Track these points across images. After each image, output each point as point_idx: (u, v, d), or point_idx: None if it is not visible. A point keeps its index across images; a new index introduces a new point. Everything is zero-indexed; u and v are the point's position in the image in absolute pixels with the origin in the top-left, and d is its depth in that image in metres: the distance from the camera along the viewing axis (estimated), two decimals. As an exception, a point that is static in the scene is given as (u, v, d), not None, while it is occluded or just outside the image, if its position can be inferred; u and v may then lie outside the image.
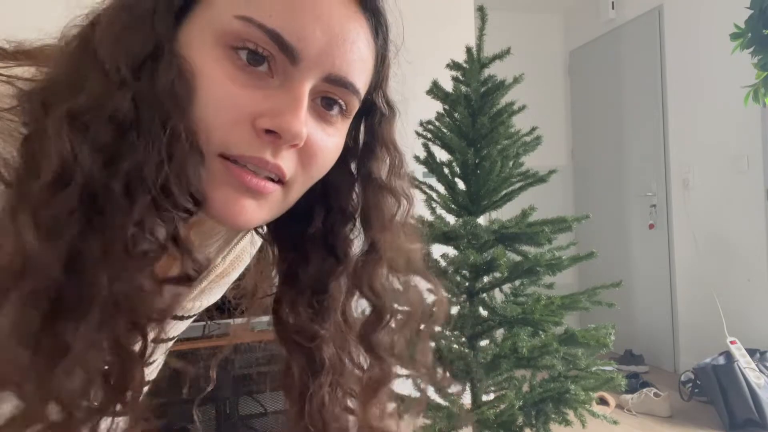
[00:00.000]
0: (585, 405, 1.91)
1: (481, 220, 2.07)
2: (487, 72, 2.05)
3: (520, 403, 1.91)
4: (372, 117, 0.56)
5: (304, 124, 0.44)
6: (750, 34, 2.31)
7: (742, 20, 2.37)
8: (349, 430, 0.63)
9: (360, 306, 0.63)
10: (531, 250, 1.92)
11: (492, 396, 2.06)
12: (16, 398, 0.40)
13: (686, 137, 3.55)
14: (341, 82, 0.47)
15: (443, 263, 2.02)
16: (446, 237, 2.01)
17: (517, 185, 2.07)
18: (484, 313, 2.00)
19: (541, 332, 1.91)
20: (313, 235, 0.56)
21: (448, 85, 2.12)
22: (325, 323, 0.59)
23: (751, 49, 2.33)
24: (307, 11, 0.44)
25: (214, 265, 0.60)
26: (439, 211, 2.12)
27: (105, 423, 0.45)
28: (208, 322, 2.69)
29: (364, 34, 0.49)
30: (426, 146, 2.14)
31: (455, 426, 1.88)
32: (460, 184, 2.08)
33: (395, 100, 0.63)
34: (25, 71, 0.46)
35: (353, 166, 0.56)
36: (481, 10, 2.02)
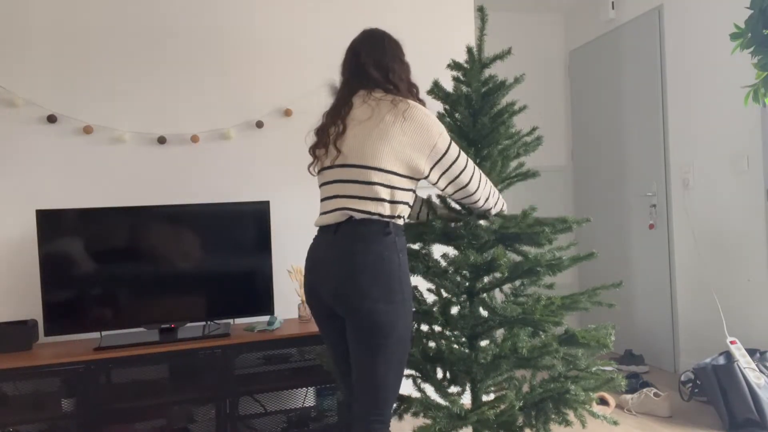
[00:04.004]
0: (585, 405, 1.91)
1: (481, 220, 2.07)
2: (487, 72, 2.05)
3: (520, 403, 1.91)
4: None
5: None
6: (750, 34, 2.30)
7: (742, 20, 2.37)
8: None
9: None
10: (531, 250, 1.92)
11: (492, 396, 2.06)
12: None
13: (686, 137, 3.55)
14: None
15: (443, 263, 2.01)
16: (447, 237, 2.00)
17: (514, 181, 2.07)
18: (484, 313, 1.99)
19: (541, 332, 1.91)
20: None
21: (448, 85, 2.12)
22: None
23: (751, 49, 2.32)
24: None
25: None
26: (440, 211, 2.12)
27: None
28: (208, 323, 2.69)
29: None
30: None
31: (455, 426, 1.88)
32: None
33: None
34: None
35: None
36: (481, 11, 2.02)
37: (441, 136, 1.63)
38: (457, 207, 1.98)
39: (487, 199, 1.78)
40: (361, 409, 1.63)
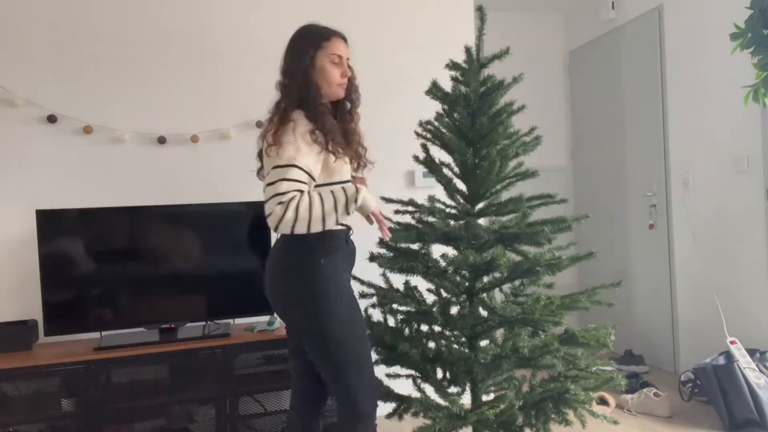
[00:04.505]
0: (585, 405, 1.91)
1: (482, 220, 2.07)
2: (487, 72, 2.05)
3: (520, 403, 1.91)
4: None
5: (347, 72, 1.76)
6: (750, 34, 2.31)
7: (742, 20, 2.37)
8: None
9: None
10: (531, 249, 1.92)
11: (492, 396, 2.06)
12: None
13: (686, 137, 3.55)
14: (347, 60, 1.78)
15: (443, 263, 2.01)
16: (446, 237, 2.00)
17: (513, 181, 2.07)
18: (483, 313, 1.99)
19: (540, 332, 1.91)
20: None
21: (448, 85, 2.12)
22: None
23: (751, 49, 2.32)
24: (341, 49, 1.75)
25: None
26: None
27: None
28: (208, 323, 2.69)
29: (346, 50, 1.77)
30: (425, 147, 2.14)
31: (455, 426, 1.87)
32: (460, 185, 2.08)
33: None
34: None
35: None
36: (480, 10, 2.01)
37: (277, 157, 1.55)
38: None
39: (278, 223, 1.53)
40: (339, 408, 1.71)
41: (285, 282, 1.64)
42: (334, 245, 1.67)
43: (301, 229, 1.53)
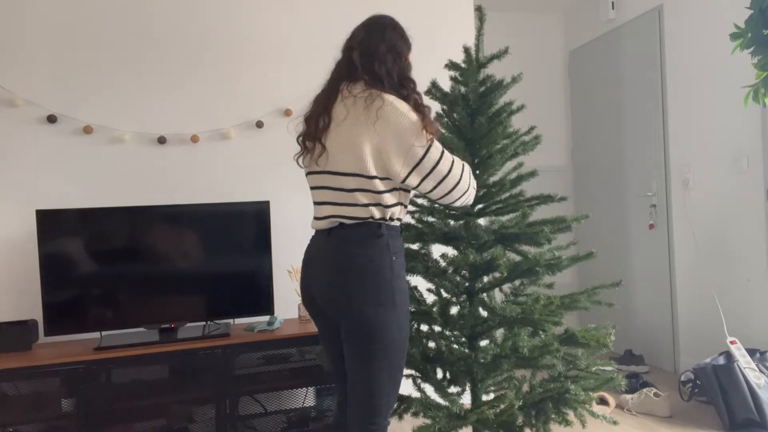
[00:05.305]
0: (585, 405, 1.91)
1: (481, 220, 2.07)
2: (486, 72, 2.05)
3: (520, 403, 1.91)
4: None
5: None
6: (750, 34, 2.30)
7: (742, 20, 2.37)
8: None
9: None
10: (530, 250, 1.92)
11: (492, 396, 2.06)
12: None
13: (686, 137, 3.55)
14: None
15: (443, 263, 2.01)
16: (446, 237, 2.01)
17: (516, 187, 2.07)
18: (483, 313, 1.99)
19: (540, 332, 1.91)
20: None
21: (448, 86, 2.12)
22: None
23: (751, 49, 2.32)
24: None
25: None
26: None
27: None
28: (208, 323, 2.69)
29: None
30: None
31: (455, 426, 1.88)
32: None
33: None
34: None
35: None
36: (479, 11, 2.02)
37: (418, 137, 1.53)
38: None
39: (462, 196, 1.66)
40: (356, 414, 1.59)
41: (355, 278, 1.53)
42: (400, 243, 1.63)
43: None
